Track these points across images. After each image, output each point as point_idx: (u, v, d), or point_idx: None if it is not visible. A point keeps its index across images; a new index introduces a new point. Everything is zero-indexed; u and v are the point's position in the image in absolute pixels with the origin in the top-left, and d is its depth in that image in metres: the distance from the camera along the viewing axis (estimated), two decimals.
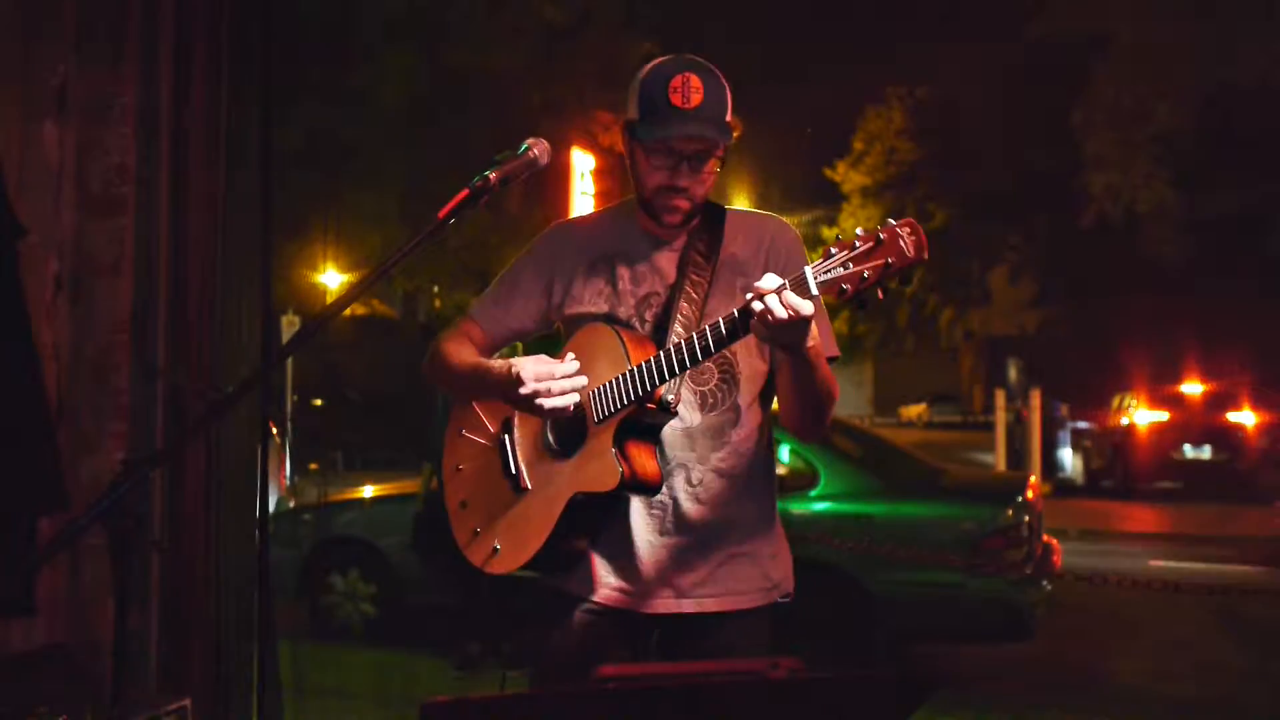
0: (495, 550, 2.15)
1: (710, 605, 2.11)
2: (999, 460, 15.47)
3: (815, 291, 1.76)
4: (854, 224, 26.69)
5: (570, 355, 2.06)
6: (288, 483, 9.32)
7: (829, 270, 1.75)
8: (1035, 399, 15.04)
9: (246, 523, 3.24)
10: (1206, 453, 16.38)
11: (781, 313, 1.76)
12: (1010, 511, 5.55)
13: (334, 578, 6.63)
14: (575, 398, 2.00)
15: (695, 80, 2.02)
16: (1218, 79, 23.99)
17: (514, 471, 2.14)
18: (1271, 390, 16.98)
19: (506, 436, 2.19)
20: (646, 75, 2.07)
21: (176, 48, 3.15)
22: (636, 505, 2.10)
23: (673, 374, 1.94)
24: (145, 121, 3.11)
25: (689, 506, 2.10)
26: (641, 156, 2.08)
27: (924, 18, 30.96)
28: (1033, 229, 30.77)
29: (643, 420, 2.02)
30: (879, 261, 1.71)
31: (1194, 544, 11.07)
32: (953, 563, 5.16)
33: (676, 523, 2.10)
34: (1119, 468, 17.03)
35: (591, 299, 2.16)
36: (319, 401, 20.09)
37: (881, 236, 1.72)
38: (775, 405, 2.19)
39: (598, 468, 2.00)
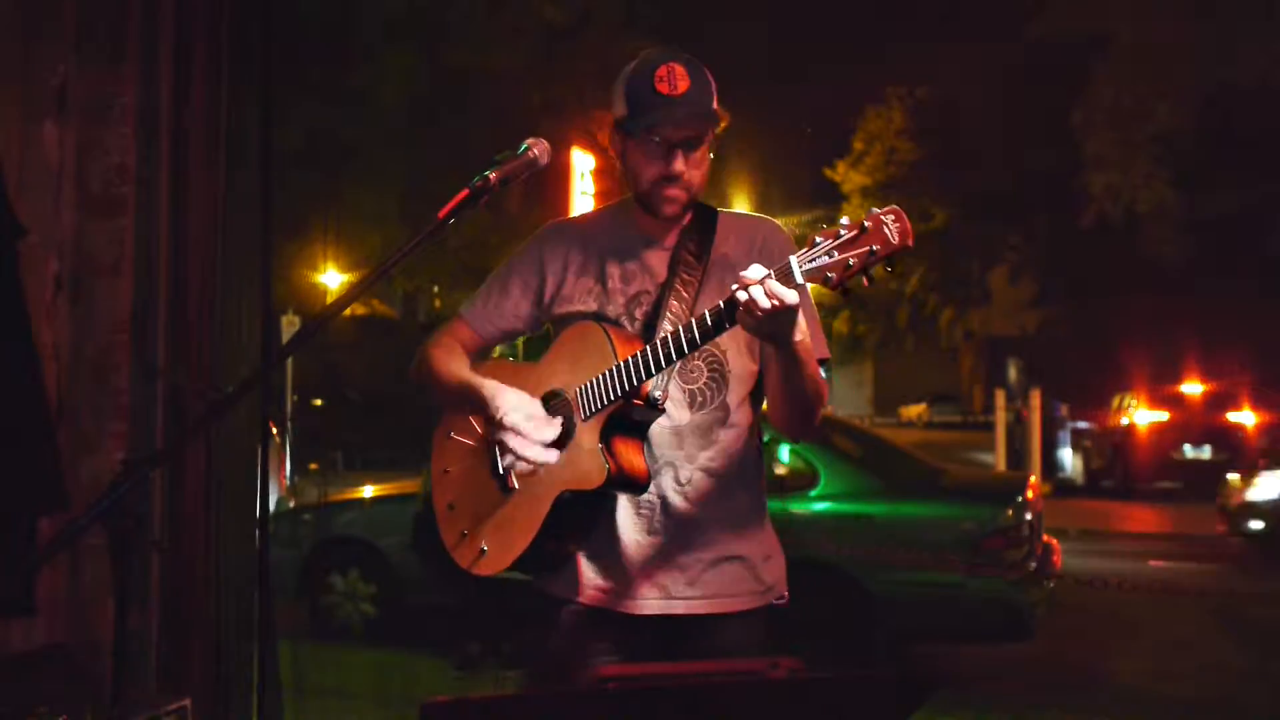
0: (483, 551, 2.13)
1: (701, 607, 2.09)
2: (999, 460, 15.46)
3: (800, 280, 1.75)
4: None
5: (559, 420, 2.04)
6: (288, 483, 9.31)
7: (814, 259, 1.74)
8: (1035, 399, 15.04)
9: (246, 523, 3.24)
10: (1206, 453, 16.38)
11: (765, 302, 1.75)
12: (1010, 511, 5.55)
13: (334, 578, 6.64)
14: (541, 463, 2.01)
15: (680, 69, 2.03)
16: (1218, 79, 23.94)
17: (502, 471, 2.12)
18: (1271, 390, 16.97)
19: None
20: (631, 71, 2.08)
21: (176, 48, 3.14)
22: (624, 504, 2.09)
23: (659, 368, 1.93)
24: (145, 121, 3.11)
25: (677, 506, 2.08)
26: (634, 150, 2.08)
27: (924, 18, 30.89)
28: (1033, 229, 30.71)
29: (630, 416, 2.00)
30: (864, 249, 1.70)
31: (1194, 544, 11.07)
32: (953, 563, 5.16)
33: (665, 522, 2.08)
34: (1119, 468, 17.05)
35: (581, 298, 2.16)
36: (319, 401, 20.09)
37: (866, 224, 1.71)
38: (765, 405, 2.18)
39: (584, 464, 1.99)
